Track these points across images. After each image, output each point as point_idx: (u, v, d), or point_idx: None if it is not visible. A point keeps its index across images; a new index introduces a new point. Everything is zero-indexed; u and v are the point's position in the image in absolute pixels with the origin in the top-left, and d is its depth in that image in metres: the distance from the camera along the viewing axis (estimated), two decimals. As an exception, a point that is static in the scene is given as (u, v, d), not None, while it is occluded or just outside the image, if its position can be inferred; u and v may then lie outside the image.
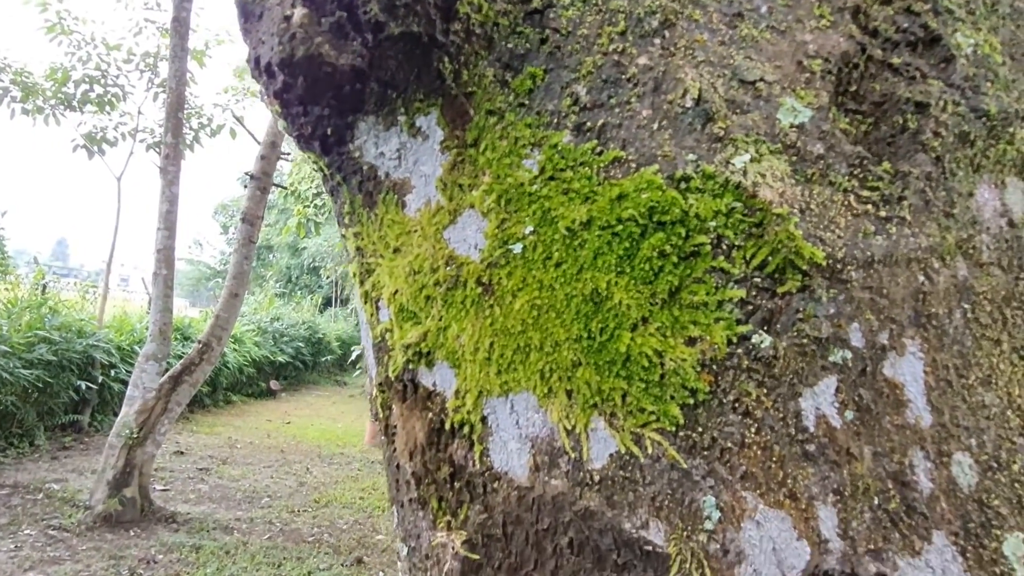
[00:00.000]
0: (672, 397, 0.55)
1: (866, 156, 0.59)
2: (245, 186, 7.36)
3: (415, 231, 0.63)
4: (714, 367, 0.55)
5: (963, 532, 0.58)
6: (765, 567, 0.53)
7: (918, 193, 0.60)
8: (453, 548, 0.59)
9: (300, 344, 13.77)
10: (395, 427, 0.65)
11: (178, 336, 9.59)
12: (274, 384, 12.28)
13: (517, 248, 0.58)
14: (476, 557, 0.59)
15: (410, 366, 0.63)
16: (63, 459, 7.73)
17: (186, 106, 8.25)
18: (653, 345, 0.54)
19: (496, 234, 0.59)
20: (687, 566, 0.53)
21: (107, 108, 8.27)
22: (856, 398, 0.56)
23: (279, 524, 7.06)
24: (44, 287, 7.91)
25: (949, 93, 0.62)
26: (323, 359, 15.11)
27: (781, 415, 0.55)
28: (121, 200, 8.85)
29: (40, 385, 7.33)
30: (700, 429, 0.55)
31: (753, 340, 0.55)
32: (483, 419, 0.59)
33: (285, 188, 9.11)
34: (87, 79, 8.10)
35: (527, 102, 0.61)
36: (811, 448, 0.55)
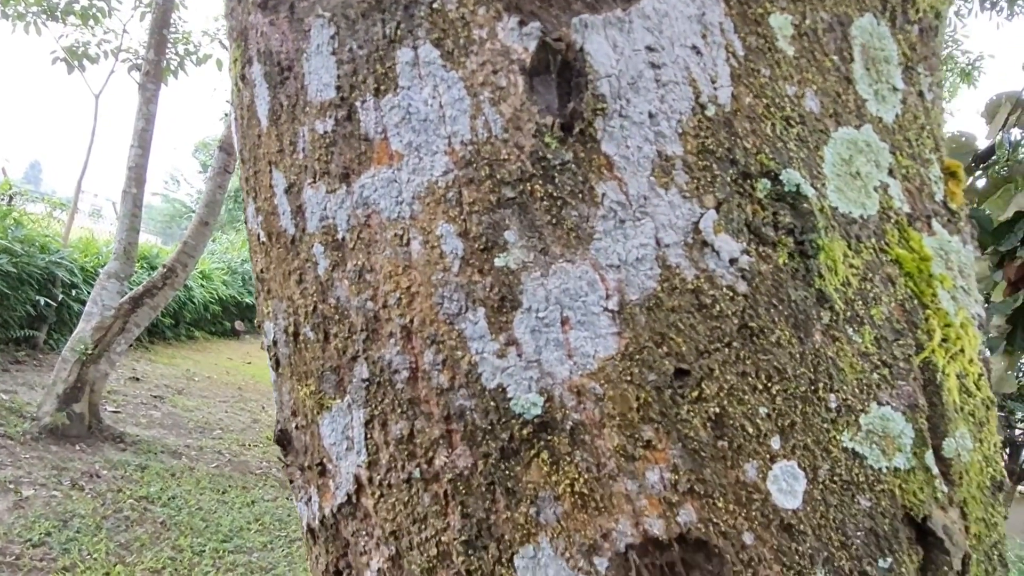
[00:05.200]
0: None
1: None
2: (227, 115, 7.32)
3: None
4: None
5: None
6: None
7: None
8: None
9: (271, 293, 13.64)
10: None
11: (144, 264, 9.52)
12: (239, 325, 12.22)
13: None
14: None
15: None
16: (15, 372, 7.63)
17: (173, 31, 8.19)
18: None
19: None
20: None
21: (91, 22, 8.19)
22: None
23: (228, 455, 7.03)
24: (11, 198, 7.82)
25: None
26: (293, 311, 14.99)
27: None
28: (98, 120, 8.76)
29: (-3, 296, 7.25)
30: None
31: None
32: None
33: (265, 123, 9.03)
34: (73, -11, 8.01)
35: None
36: None
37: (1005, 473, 0.73)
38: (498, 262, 0.57)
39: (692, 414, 0.57)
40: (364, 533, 0.65)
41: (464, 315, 0.58)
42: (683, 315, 0.57)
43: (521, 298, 0.57)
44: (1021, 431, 9.14)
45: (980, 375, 0.73)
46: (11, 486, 5.22)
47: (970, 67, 8.68)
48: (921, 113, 0.75)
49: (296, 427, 0.69)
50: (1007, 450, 9.09)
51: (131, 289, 6.75)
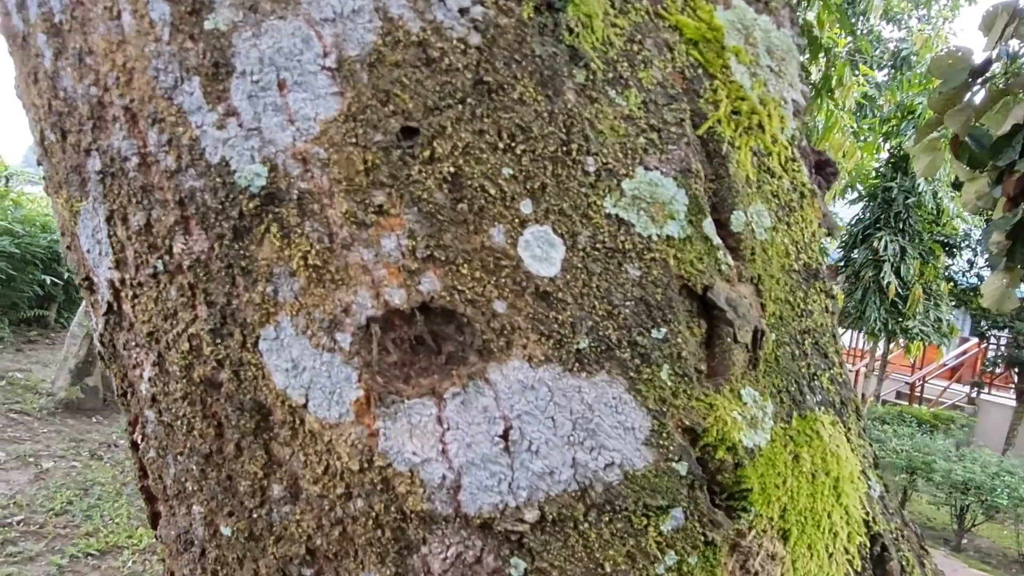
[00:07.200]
0: None
1: None
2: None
3: None
4: None
5: None
6: None
7: None
8: None
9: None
10: None
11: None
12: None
13: None
14: None
15: None
16: (28, 352, 7.78)
17: None
18: None
19: None
20: None
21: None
22: None
23: (240, 419, 7.12)
24: (8, 179, 7.89)
25: None
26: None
27: None
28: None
29: (3, 277, 7.34)
30: None
31: None
32: None
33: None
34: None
35: None
36: None
37: (823, 262, 0.69)
38: (207, 25, 0.53)
39: (425, 175, 0.54)
40: (133, 344, 0.63)
41: (180, 87, 0.54)
42: (408, 70, 0.53)
43: (234, 62, 0.53)
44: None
45: (790, 159, 0.68)
46: (31, 460, 5.35)
47: (972, -19, 8.27)
48: None
49: (68, 248, 0.67)
50: (1016, 369, 8.89)
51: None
